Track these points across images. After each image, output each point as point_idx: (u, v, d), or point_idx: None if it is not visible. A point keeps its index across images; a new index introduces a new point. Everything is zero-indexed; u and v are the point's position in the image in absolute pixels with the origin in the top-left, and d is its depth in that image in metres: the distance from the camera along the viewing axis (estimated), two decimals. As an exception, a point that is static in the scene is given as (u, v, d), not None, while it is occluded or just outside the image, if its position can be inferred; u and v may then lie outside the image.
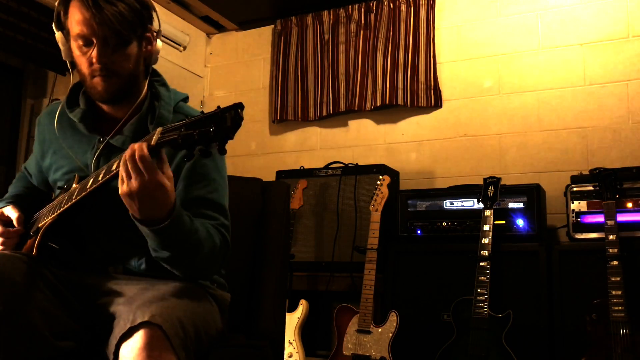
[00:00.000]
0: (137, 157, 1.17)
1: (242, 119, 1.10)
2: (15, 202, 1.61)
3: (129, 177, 1.19)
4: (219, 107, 1.12)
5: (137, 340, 1.16)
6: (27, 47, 3.49)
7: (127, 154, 1.19)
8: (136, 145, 1.19)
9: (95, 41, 1.39)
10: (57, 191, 1.54)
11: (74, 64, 1.48)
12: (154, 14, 1.50)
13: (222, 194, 1.49)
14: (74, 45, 1.44)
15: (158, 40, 1.53)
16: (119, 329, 1.20)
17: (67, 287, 1.36)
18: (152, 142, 1.17)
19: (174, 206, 1.24)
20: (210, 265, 1.39)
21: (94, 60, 1.40)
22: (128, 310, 1.23)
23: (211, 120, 1.11)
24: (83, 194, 1.33)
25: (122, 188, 1.20)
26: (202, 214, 1.41)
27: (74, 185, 1.43)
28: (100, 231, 1.46)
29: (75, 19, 1.39)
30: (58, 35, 1.49)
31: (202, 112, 1.15)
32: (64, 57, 1.50)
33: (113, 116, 1.53)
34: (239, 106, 1.11)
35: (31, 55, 3.57)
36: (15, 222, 1.51)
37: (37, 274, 1.30)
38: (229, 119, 1.09)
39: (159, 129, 1.18)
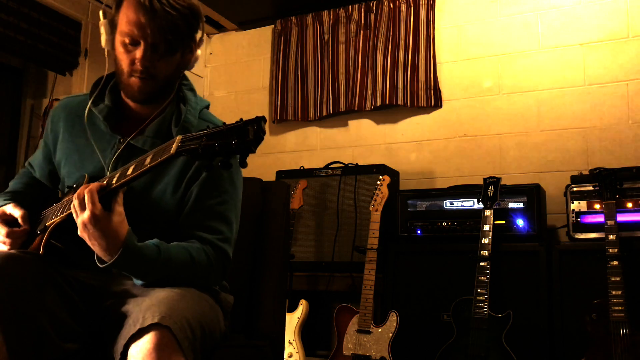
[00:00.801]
0: (86, 190, 1.25)
1: (264, 132, 1.10)
2: (13, 198, 1.58)
3: (82, 208, 1.25)
4: (241, 119, 1.12)
5: (147, 341, 1.15)
6: (27, 47, 3.49)
7: (78, 191, 1.27)
8: (91, 185, 1.28)
9: (142, 44, 1.39)
10: (66, 189, 1.53)
11: (109, 53, 1.48)
12: (201, 23, 1.49)
13: (231, 206, 1.49)
14: (118, 39, 1.43)
15: (199, 49, 1.52)
16: (127, 329, 1.20)
17: (73, 287, 1.35)
18: (172, 151, 1.17)
19: (124, 243, 1.26)
20: (196, 281, 1.39)
21: (137, 62, 1.40)
22: (137, 311, 1.22)
23: (233, 132, 1.10)
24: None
25: (77, 222, 1.26)
26: (206, 226, 1.43)
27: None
28: None
29: (128, 17, 1.38)
30: (104, 22, 1.47)
31: (224, 123, 1.15)
32: (103, 45, 1.48)
33: (137, 114, 1.52)
34: (262, 119, 1.11)
35: (31, 55, 3.57)
36: (20, 220, 1.49)
37: (46, 276, 1.30)
38: (251, 132, 1.09)
39: (179, 137, 1.18)
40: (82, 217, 1.25)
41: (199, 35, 1.51)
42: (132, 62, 1.41)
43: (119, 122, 1.53)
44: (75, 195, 1.27)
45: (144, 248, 1.30)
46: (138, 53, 1.39)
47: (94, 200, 1.25)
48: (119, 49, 1.43)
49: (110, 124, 1.51)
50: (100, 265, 1.29)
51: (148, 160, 1.23)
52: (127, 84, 1.45)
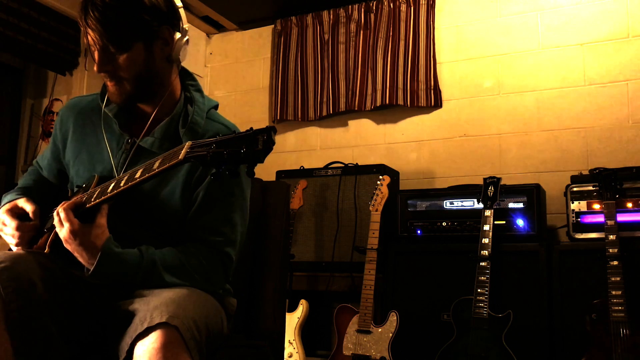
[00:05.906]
0: (61, 209, 1.31)
1: (273, 142, 1.10)
2: (25, 194, 1.60)
3: (61, 225, 1.31)
4: (251, 128, 1.12)
5: (154, 340, 1.15)
6: (27, 47, 3.49)
7: (57, 208, 1.33)
8: (67, 203, 1.33)
9: (95, 51, 1.40)
10: (75, 189, 1.54)
11: None
12: (162, 10, 1.44)
13: (237, 208, 1.49)
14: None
15: (185, 38, 1.49)
16: (134, 328, 1.20)
17: (79, 288, 1.35)
18: (180, 156, 1.18)
19: (100, 250, 1.29)
20: (192, 284, 1.38)
21: (95, 68, 1.41)
22: (144, 309, 1.23)
23: (242, 140, 1.10)
24: (103, 197, 1.33)
25: (61, 235, 1.32)
26: (209, 228, 1.44)
27: (93, 186, 1.43)
28: (112, 233, 1.46)
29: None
30: None
31: (234, 131, 1.15)
32: None
33: (143, 111, 1.53)
34: (272, 129, 1.11)
35: (31, 55, 3.57)
36: (31, 215, 1.51)
37: (53, 278, 1.30)
38: (260, 141, 1.09)
39: (189, 143, 1.18)
40: (62, 233, 1.31)
41: (182, 23, 1.48)
42: None
43: (128, 120, 1.54)
44: (55, 212, 1.32)
45: (123, 253, 1.32)
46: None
47: (70, 218, 1.30)
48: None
49: (120, 123, 1.52)
50: (87, 274, 1.31)
51: (156, 164, 1.24)
52: (108, 88, 1.48)
